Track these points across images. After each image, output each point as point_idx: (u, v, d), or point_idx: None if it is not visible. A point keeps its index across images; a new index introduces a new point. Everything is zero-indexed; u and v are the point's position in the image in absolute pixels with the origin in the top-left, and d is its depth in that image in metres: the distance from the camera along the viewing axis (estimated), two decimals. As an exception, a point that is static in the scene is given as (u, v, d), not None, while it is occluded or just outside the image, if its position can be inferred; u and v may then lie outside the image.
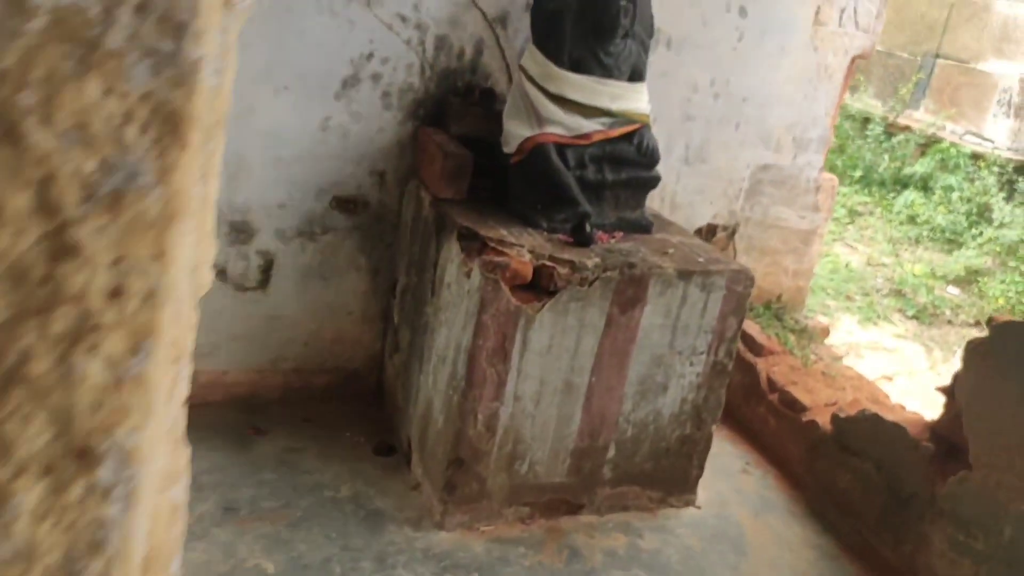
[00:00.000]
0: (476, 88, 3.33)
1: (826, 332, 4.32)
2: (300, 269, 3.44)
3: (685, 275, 2.97)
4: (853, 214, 7.79)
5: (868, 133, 8.52)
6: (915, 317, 6.17)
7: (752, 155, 3.96)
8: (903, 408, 3.47)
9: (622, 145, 3.13)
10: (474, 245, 2.90)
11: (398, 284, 3.48)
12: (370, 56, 3.23)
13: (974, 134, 8.46)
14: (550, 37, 3.10)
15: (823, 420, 3.42)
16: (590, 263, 2.85)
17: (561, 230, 3.05)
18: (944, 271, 6.79)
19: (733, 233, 4.08)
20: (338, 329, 3.58)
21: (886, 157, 8.42)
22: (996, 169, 7.72)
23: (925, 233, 7.23)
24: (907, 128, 8.78)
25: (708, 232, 4.04)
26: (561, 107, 3.07)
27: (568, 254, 2.88)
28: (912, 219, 7.50)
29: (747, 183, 4.00)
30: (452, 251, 2.95)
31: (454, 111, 3.29)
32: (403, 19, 3.23)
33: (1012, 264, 6.74)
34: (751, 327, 4.04)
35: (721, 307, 3.04)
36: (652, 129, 3.25)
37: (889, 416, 3.18)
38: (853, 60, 3.98)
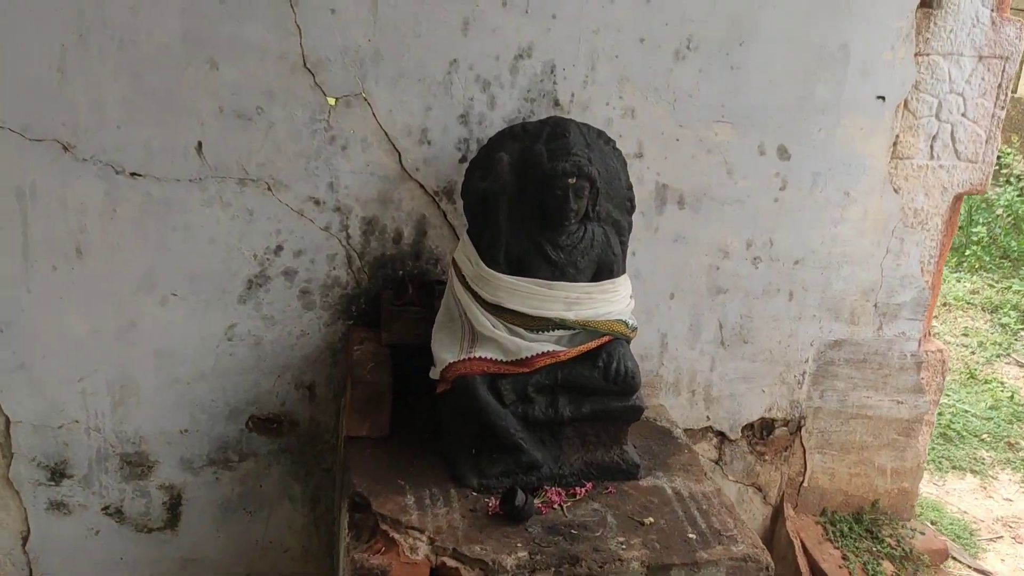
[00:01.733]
0: (409, 282, 2.60)
1: (942, 555, 3.21)
2: (217, 503, 2.80)
3: (659, 571, 2.08)
4: (1027, 319, 6.38)
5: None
6: (1103, 474, 4.79)
7: (815, 330, 2.99)
8: None
9: (582, 368, 2.30)
10: (366, 521, 2.15)
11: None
12: (279, 249, 2.58)
13: None
14: (482, 227, 2.34)
15: None
16: (510, 560, 2.03)
17: (496, 489, 2.25)
18: None
19: (798, 429, 3.10)
20: (274, 570, 2.91)
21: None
22: None
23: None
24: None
25: (762, 429, 3.09)
26: (499, 319, 2.29)
27: (486, 542, 2.07)
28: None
29: (812, 365, 3.03)
30: (344, 523, 2.22)
31: (386, 312, 2.57)
32: (317, 202, 2.56)
33: None
34: (825, 555, 3.03)
35: (716, 610, 2.13)
36: (635, 336, 2.40)
37: None
38: (958, 198, 2.95)
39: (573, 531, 2.14)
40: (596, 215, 2.32)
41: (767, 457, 3.11)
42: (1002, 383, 5.53)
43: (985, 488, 4.59)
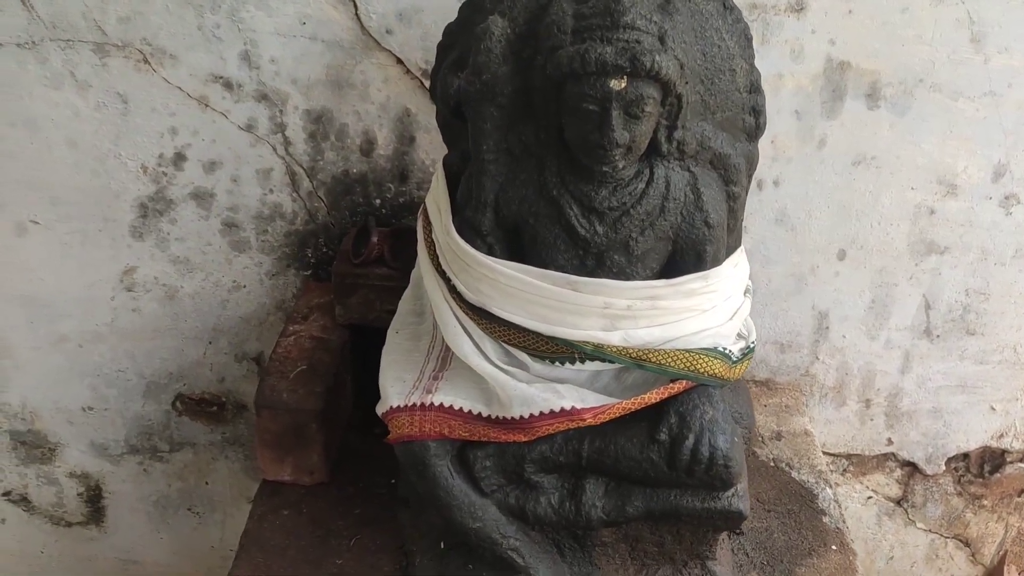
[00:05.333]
0: (376, 227, 1.56)
1: None
2: (150, 499, 2.03)
3: None
4: None
5: None
6: None
7: (1106, 319, 1.71)
8: None
9: (627, 439, 1.22)
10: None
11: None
12: (179, 159, 1.61)
13: None
14: (458, 162, 1.25)
15: None
16: None
17: (466, 627, 1.29)
18: None
19: (1047, 466, 1.89)
20: (238, 581, 2.13)
21: None
22: None
23: None
24: None
25: (982, 463, 1.90)
26: (489, 333, 1.23)
27: None
28: None
29: (1090, 373, 1.77)
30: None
31: (339, 276, 1.56)
32: (227, 85, 1.54)
33: None
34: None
35: None
36: (745, 369, 1.28)
37: None
38: None
39: None
40: (675, 148, 1.15)
41: (986, 502, 1.94)
42: None
43: None
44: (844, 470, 1.91)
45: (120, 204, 1.65)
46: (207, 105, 1.55)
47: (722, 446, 1.18)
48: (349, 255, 1.56)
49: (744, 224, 1.31)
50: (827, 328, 1.74)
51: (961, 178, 1.58)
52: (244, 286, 1.74)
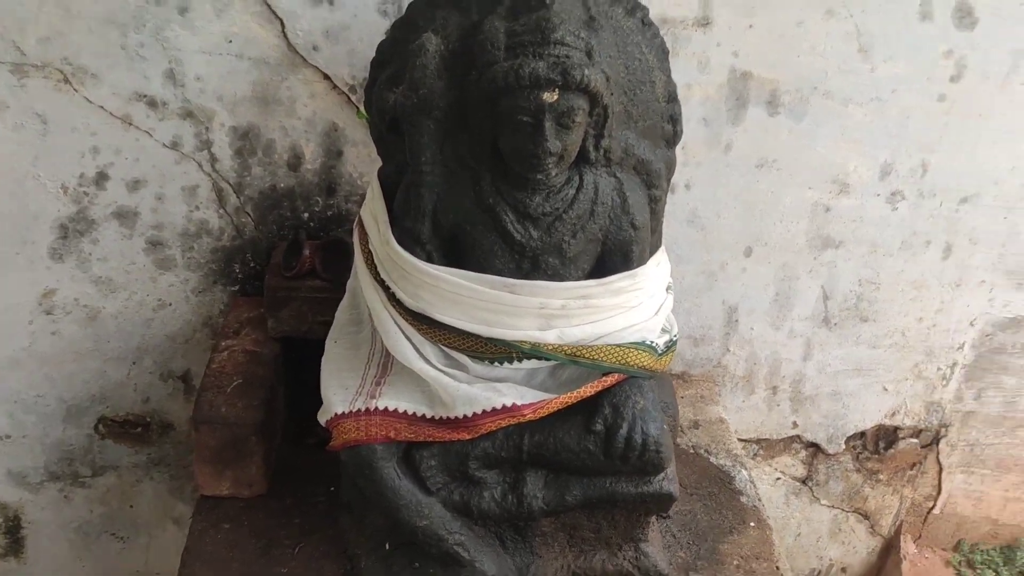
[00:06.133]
0: (307, 240, 1.58)
1: None
2: (72, 527, 1.98)
3: None
4: None
5: None
6: None
7: (982, 303, 1.88)
8: None
9: (566, 432, 1.29)
10: None
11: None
12: (102, 178, 1.60)
13: None
14: (394, 173, 1.30)
15: None
16: None
17: (416, 624, 1.33)
18: None
19: (935, 440, 2.05)
20: (166, 604, 2.10)
21: None
22: None
23: None
24: None
25: (877, 441, 2.05)
26: (429, 338, 1.28)
27: None
28: None
29: (969, 353, 1.94)
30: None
31: (270, 289, 1.58)
32: (152, 103, 1.54)
33: None
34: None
35: None
36: (669, 362, 1.37)
37: None
38: None
39: None
40: (603, 155, 1.23)
41: (882, 476, 2.09)
42: None
43: None
44: (755, 454, 2.03)
45: (39, 226, 1.63)
46: (131, 124, 1.55)
47: (653, 433, 1.26)
48: (280, 268, 1.58)
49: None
50: (736, 321, 1.86)
51: (852, 177, 1.72)
52: (170, 304, 1.73)
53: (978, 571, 2.17)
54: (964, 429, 2.03)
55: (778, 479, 2.07)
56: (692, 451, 1.73)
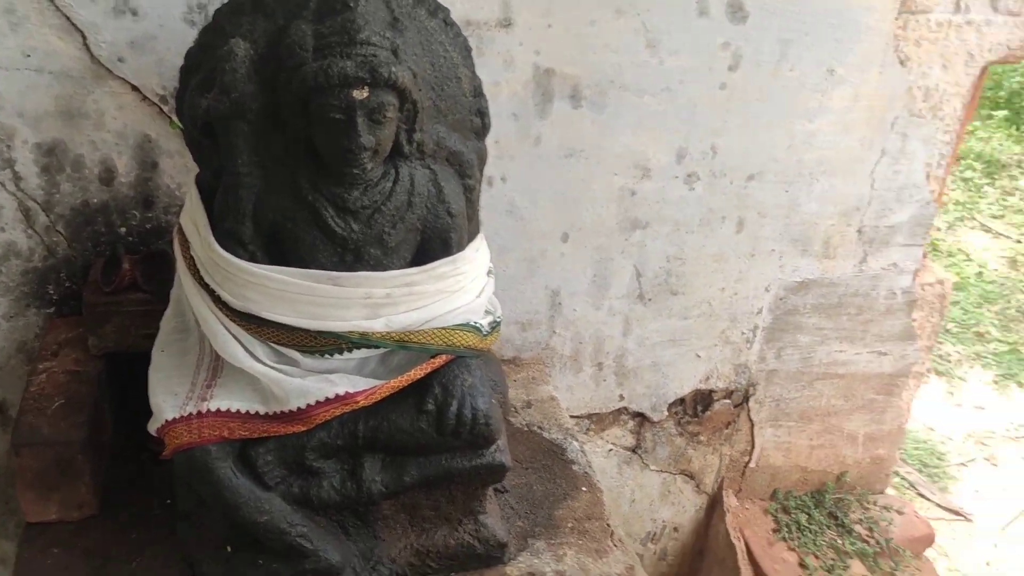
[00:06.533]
0: (122, 257, 1.57)
1: (928, 540, 2.46)
2: None
3: None
4: (994, 168, 5.56)
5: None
6: (1082, 363, 4.12)
7: (774, 270, 2.07)
8: None
9: (399, 414, 1.34)
10: None
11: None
12: None
13: None
14: (210, 177, 1.31)
15: None
16: None
17: (266, 621, 1.34)
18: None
19: (745, 399, 2.24)
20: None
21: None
22: None
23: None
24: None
25: (696, 404, 2.21)
26: (257, 337, 1.30)
27: None
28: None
29: (767, 317, 2.13)
30: None
31: (90, 305, 1.55)
32: (-55, 121, 1.47)
33: None
34: (776, 562, 2.25)
35: None
36: (494, 342, 1.45)
37: None
38: (984, 70, 1.98)
39: None
40: (416, 148, 1.29)
41: (702, 438, 2.26)
42: (968, 255, 4.76)
43: (953, 394, 3.89)
44: (587, 429, 2.15)
45: None
46: (-83, 142, 1.48)
47: (482, 407, 1.34)
48: (99, 284, 1.56)
49: (481, 217, 1.48)
50: (560, 304, 1.97)
51: (652, 162, 1.86)
52: (-21, 330, 1.67)
53: (792, 515, 2.38)
54: (769, 386, 2.23)
55: (610, 450, 2.20)
56: (526, 429, 1.82)
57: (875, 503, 2.48)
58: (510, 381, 1.95)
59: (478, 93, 1.38)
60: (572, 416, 2.10)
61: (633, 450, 2.22)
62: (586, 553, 1.53)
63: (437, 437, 1.34)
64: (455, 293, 1.37)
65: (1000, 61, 1.97)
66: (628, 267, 1.97)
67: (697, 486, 2.34)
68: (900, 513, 2.47)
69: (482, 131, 1.39)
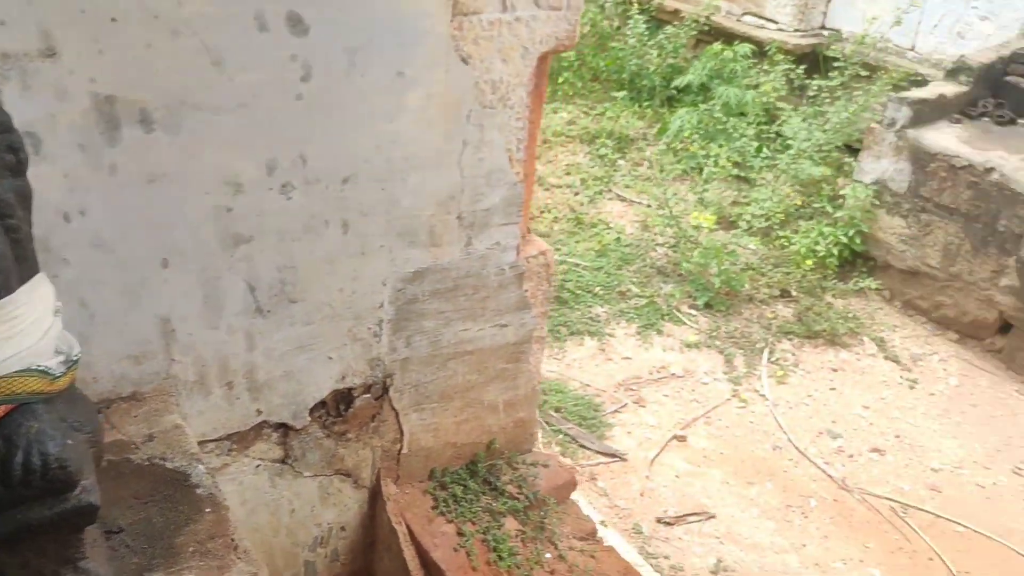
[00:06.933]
0: None
1: (569, 487, 2.72)
2: None
3: None
4: (624, 144, 6.18)
5: (629, 30, 6.79)
6: (708, 305, 4.72)
7: (386, 265, 2.18)
8: None
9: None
10: None
11: None
12: None
13: (755, 15, 6.93)
14: None
15: None
16: None
17: None
18: (736, 215, 5.33)
19: (384, 391, 2.34)
20: None
21: (654, 54, 6.77)
22: (781, 60, 6.23)
23: (711, 167, 5.68)
24: (677, 13, 7.14)
25: (337, 404, 2.28)
26: None
27: None
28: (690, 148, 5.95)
29: (390, 309, 2.24)
30: None
31: None
32: None
33: (817, 204, 5.36)
34: (436, 537, 2.38)
35: None
36: (69, 381, 1.41)
37: None
38: (543, 59, 2.20)
39: None
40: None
41: (350, 435, 2.33)
42: (608, 224, 5.25)
43: (604, 351, 4.30)
44: (229, 450, 2.14)
45: None
46: None
47: (53, 451, 1.30)
48: None
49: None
50: (173, 331, 1.94)
51: (243, 177, 1.88)
52: None
53: (449, 490, 2.53)
54: (405, 374, 2.34)
55: (258, 466, 2.21)
56: (148, 463, 1.79)
57: (524, 462, 2.69)
58: (131, 418, 1.90)
59: (8, 129, 1.32)
60: (209, 440, 2.08)
61: (283, 461, 2.25)
62: (207, 572, 1.53)
63: (4, 491, 1.29)
64: (11, 339, 1.31)
65: (553, 51, 2.20)
66: (239, 283, 1.98)
67: (355, 483, 2.41)
68: (545, 467, 2.70)
69: (18, 167, 1.34)
